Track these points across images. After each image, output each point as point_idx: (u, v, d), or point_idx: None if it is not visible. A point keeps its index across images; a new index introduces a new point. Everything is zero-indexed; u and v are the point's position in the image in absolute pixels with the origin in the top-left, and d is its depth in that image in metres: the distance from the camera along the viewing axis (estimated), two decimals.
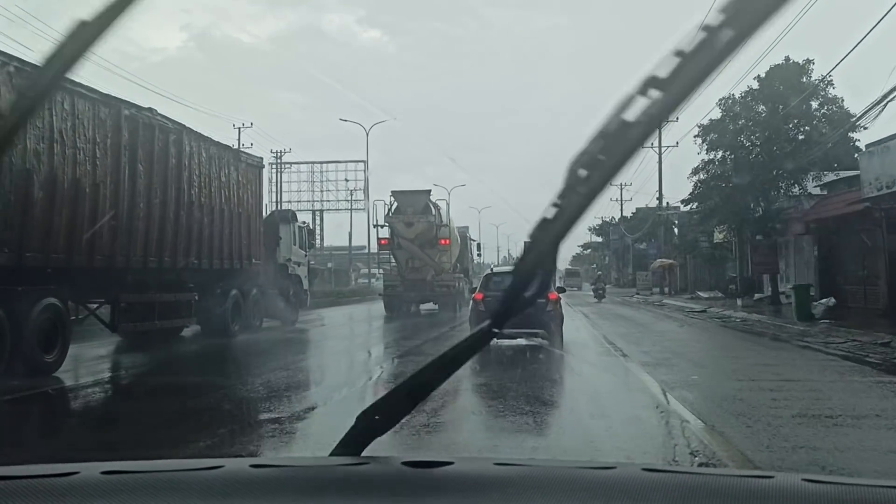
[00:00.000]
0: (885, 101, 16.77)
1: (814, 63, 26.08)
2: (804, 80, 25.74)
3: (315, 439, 6.47)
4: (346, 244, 59.60)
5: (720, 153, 27.10)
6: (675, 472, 1.23)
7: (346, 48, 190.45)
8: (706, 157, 27.60)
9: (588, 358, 12.98)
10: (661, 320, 23.12)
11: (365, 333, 20.80)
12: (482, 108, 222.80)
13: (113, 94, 12.38)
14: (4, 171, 9.80)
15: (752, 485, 1.16)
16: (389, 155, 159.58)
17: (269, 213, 22.17)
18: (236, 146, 25.79)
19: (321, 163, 50.91)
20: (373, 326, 22.43)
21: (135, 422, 7.50)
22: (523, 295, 1.24)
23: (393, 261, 28.36)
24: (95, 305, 13.07)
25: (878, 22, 16.20)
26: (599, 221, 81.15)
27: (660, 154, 46.51)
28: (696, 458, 5.68)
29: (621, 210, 68.69)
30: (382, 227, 27.61)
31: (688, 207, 44.15)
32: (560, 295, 14.87)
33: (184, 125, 14.74)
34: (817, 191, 26.91)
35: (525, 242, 1.23)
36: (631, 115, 1.02)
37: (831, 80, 25.74)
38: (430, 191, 28.42)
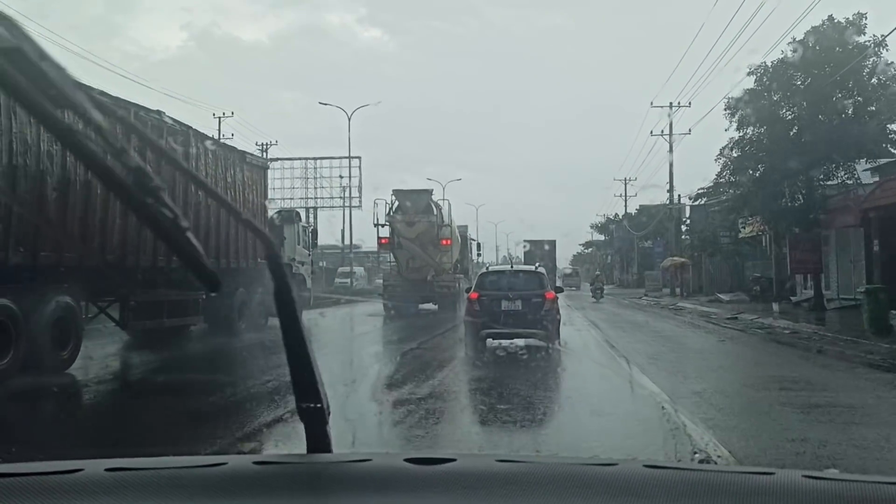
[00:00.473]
0: None
1: (867, 18, 20.91)
2: (857, 39, 20.90)
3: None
4: (347, 243, 59.04)
5: (752, 130, 22.68)
6: (677, 468, 1.25)
7: (346, 47, 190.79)
8: (736, 136, 23.12)
9: (624, 430, 7.03)
10: (690, 331, 19.33)
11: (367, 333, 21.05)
12: (482, 108, 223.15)
13: (122, 97, 12.64)
14: (20, 172, 10.07)
15: (754, 481, 1.16)
16: (389, 154, 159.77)
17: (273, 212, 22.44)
18: (216, 136, 25.42)
19: (314, 158, 48.94)
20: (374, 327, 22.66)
21: (152, 418, 7.77)
22: None
23: (393, 260, 28.20)
24: (105, 303, 13.33)
25: None
26: (602, 219, 77.96)
27: (671, 142, 42.40)
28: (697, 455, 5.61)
29: (625, 206, 65.91)
30: (383, 226, 27.48)
31: (701, 202, 41.28)
32: (557, 294, 14.38)
33: (191, 127, 15.01)
34: (867, 175, 22.22)
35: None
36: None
37: (885, 43, 20.77)
38: (431, 190, 28.59)
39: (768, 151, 21.85)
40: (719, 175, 24.51)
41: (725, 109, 22.84)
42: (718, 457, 5.64)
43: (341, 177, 48.31)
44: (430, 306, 27.07)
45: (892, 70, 21.45)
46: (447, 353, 13.82)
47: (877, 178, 21.54)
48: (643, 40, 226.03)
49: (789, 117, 21.95)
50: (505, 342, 12.87)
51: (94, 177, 1.32)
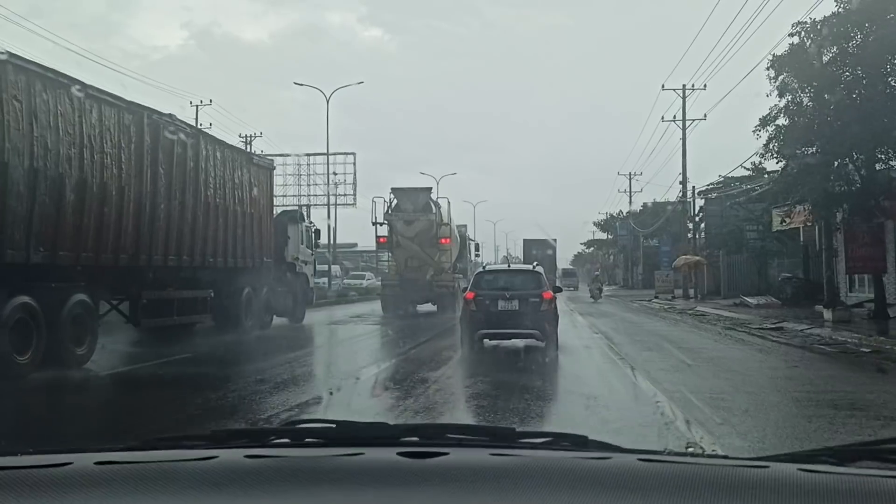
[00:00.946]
0: None
1: None
2: None
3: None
4: (344, 241, 57.44)
5: (802, 96, 18.31)
6: (671, 461, 1.25)
7: (347, 46, 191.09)
8: (781, 103, 18.66)
9: None
10: (736, 349, 14.87)
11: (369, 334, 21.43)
12: (483, 107, 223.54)
13: (137, 102, 13.04)
14: (40, 175, 10.47)
15: (748, 473, 1.17)
16: (389, 153, 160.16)
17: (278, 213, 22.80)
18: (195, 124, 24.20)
19: (307, 155, 46.38)
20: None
21: (172, 411, 8.17)
22: None
23: (391, 259, 27.79)
24: (117, 301, 13.72)
25: None
26: (604, 216, 75.05)
27: (683, 128, 38.20)
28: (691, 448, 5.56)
29: (630, 202, 62.78)
30: (381, 224, 27.15)
31: (712, 195, 38.74)
32: (556, 295, 14.05)
33: (200, 129, 15.44)
34: None
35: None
36: None
37: None
38: (430, 188, 28.32)
39: (822, 122, 17.57)
40: (766, 147, 19.20)
41: (768, 69, 18.69)
42: (713, 448, 5.69)
43: (335, 174, 46.42)
44: (430, 306, 26.86)
45: None
46: (444, 354, 13.71)
47: None
48: (643, 40, 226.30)
49: (846, 77, 17.57)
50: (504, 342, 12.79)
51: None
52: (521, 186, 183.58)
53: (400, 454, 1.24)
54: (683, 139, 38.24)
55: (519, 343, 13.53)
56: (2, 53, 10.02)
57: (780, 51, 18.65)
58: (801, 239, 28.08)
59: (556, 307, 13.55)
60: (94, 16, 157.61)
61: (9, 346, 9.95)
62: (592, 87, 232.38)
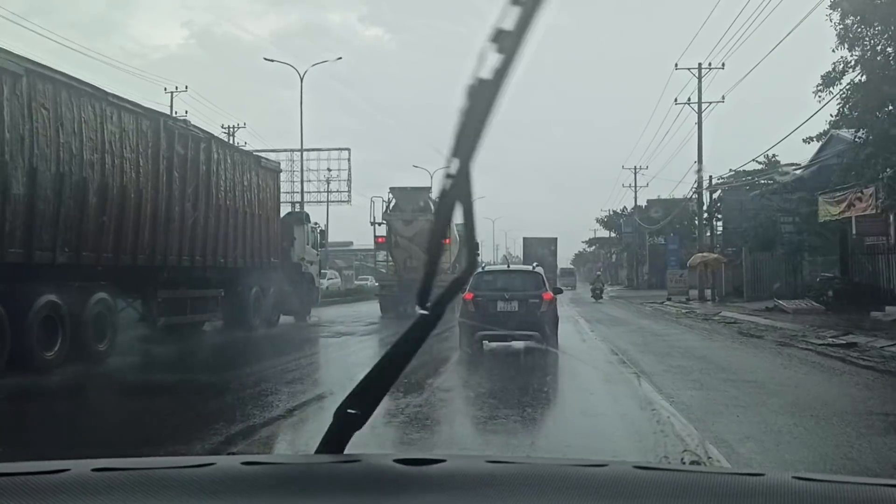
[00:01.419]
0: None
1: None
2: None
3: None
4: (339, 240, 56.54)
5: (880, 42, 14.88)
6: (667, 469, 1.25)
7: (347, 46, 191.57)
8: (849, 56, 15.52)
9: None
10: (813, 376, 11.17)
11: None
12: None
13: (154, 108, 13.59)
14: (66, 180, 11.00)
15: (743, 482, 1.16)
16: (389, 153, 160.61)
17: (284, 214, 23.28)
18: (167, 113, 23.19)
19: (300, 150, 43.94)
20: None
21: (192, 403, 8.70)
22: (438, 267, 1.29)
23: (390, 259, 27.18)
24: (132, 299, 14.23)
25: None
26: (607, 213, 71.65)
27: (699, 111, 34.29)
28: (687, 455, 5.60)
29: (635, 199, 59.39)
30: (380, 224, 26.65)
31: (724, 189, 34.92)
32: (557, 296, 13.91)
33: (212, 134, 15.94)
34: None
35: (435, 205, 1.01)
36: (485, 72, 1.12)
37: None
38: (430, 187, 27.52)
39: None
40: (839, 113, 15.98)
41: (830, 9, 15.55)
42: (709, 457, 5.62)
43: (328, 170, 44.54)
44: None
45: None
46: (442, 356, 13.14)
47: None
48: (643, 39, 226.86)
49: None
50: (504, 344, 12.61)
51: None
52: (521, 185, 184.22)
53: (396, 461, 1.23)
54: (699, 123, 34.21)
55: (521, 353, 12.96)
56: (29, 64, 10.51)
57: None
58: (854, 231, 23.24)
59: (556, 308, 13.36)
60: (94, 14, 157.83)
61: (36, 343, 10.49)
62: (594, 87, 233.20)
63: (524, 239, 59.10)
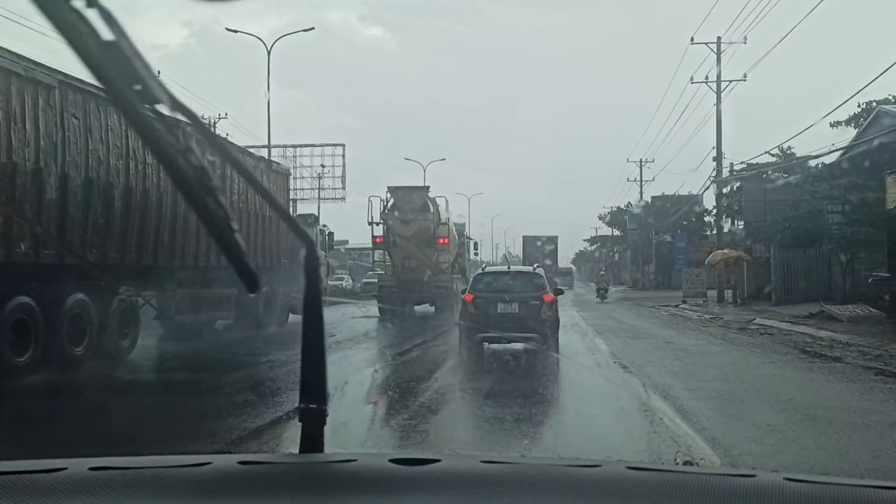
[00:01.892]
0: None
1: None
2: None
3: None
4: (336, 238, 55.57)
5: None
6: (660, 470, 1.26)
7: (347, 45, 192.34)
8: None
9: None
10: None
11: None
12: (483, 105, 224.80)
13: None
14: (94, 185, 11.62)
15: (735, 483, 1.17)
16: (389, 152, 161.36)
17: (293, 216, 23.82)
18: None
19: (294, 146, 42.73)
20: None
21: (212, 396, 9.33)
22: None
23: (388, 259, 27.05)
24: (149, 297, 14.83)
25: None
26: (610, 210, 69.15)
27: (718, 91, 30.85)
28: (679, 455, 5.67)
29: (641, 194, 56.28)
30: (378, 224, 26.46)
31: (736, 182, 31.58)
32: (558, 297, 13.83)
33: (226, 139, 16.54)
34: None
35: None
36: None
37: None
38: (428, 187, 27.48)
39: None
40: None
41: None
42: (702, 459, 5.63)
43: (322, 166, 43.46)
44: (427, 307, 26.20)
45: None
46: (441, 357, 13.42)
47: None
48: (646, 40, 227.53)
49: None
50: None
51: (164, 172, 1.42)
52: (521, 184, 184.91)
53: (392, 461, 1.24)
54: (718, 104, 30.74)
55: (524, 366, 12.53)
56: (61, 76, 11.11)
57: None
58: None
59: (557, 310, 13.33)
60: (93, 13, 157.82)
61: (66, 339, 11.11)
62: (594, 87, 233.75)
63: (524, 237, 58.82)
